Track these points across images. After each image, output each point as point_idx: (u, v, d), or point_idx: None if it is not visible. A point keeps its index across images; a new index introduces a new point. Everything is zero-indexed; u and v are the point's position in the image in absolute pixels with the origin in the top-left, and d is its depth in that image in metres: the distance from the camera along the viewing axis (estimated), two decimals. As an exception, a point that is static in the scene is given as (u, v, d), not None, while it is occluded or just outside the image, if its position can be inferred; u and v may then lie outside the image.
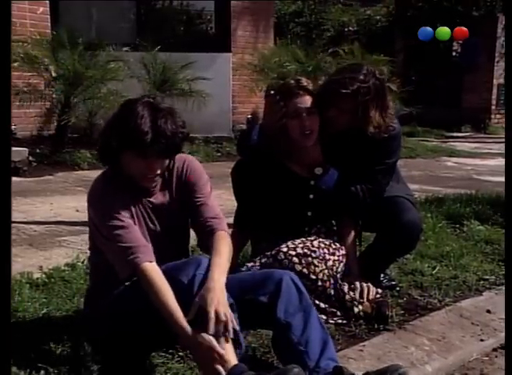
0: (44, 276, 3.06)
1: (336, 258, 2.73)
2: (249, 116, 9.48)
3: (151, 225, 2.31)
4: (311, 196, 2.85)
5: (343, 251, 2.80)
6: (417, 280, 3.26)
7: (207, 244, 2.29)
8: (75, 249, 3.63)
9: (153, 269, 2.11)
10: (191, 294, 2.05)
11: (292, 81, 2.82)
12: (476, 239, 4.01)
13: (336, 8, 13.38)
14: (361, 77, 2.79)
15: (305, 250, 2.64)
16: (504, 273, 3.35)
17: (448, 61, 12.33)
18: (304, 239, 2.72)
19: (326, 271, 2.66)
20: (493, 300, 3.10)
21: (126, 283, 2.20)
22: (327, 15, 13.08)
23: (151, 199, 2.31)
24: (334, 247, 2.75)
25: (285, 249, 2.64)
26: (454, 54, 12.79)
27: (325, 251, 2.69)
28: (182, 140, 2.23)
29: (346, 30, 12.97)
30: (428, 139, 10.13)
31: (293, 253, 2.63)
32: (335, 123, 2.85)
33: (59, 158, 6.77)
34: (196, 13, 9.96)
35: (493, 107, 12.28)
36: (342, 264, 2.77)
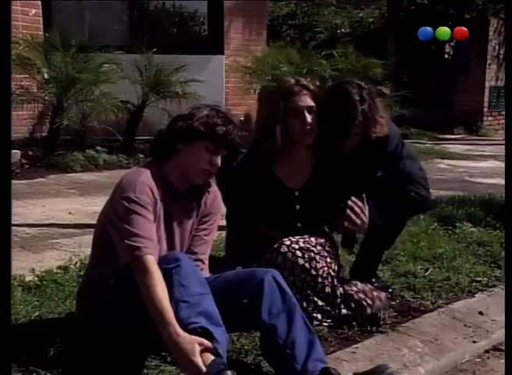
0: (36, 278, 3.05)
1: (333, 257, 2.74)
2: (242, 118, 9.47)
3: (172, 231, 2.36)
4: (298, 207, 2.84)
5: (337, 252, 2.81)
6: (409, 282, 3.27)
7: None
8: (67, 252, 3.62)
9: (154, 264, 2.11)
10: (170, 289, 2.07)
11: (291, 80, 2.81)
12: (468, 241, 4.02)
13: (328, 10, 13.41)
14: (357, 98, 2.77)
15: (307, 245, 2.65)
16: (504, 271, 3.37)
17: (440, 63, 12.38)
18: (303, 236, 2.71)
19: (326, 268, 2.67)
20: (486, 302, 3.11)
21: (120, 276, 2.20)
22: (320, 17, 13.11)
23: (181, 207, 2.38)
24: (328, 245, 2.75)
25: (287, 242, 2.64)
26: (447, 56, 12.84)
27: (323, 248, 2.69)
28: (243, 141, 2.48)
29: (338, 32, 12.99)
30: (421, 141, 10.15)
31: (296, 246, 2.63)
32: (348, 148, 2.84)
33: (52, 160, 6.75)
34: (189, 15, 9.96)
35: (485, 109, 12.33)
36: (336, 264, 2.78)
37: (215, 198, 2.48)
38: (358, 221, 2.67)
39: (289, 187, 2.83)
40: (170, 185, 2.33)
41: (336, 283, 2.72)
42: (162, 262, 2.16)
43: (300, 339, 2.13)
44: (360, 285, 2.78)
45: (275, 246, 2.66)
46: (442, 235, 4.13)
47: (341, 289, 2.73)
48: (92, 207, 4.55)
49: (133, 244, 2.13)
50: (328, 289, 2.69)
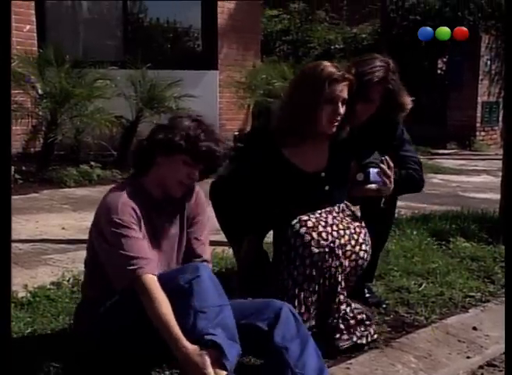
0: (29, 295, 3.03)
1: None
2: (236, 133, 9.50)
3: (159, 241, 2.35)
4: (327, 187, 2.75)
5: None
6: (403, 297, 3.27)
7: None
8: (60, 267, 3.61)
9: (154, 282, 2.13)
10: (189, 299, 2.07)
11: (333, 68, 2.69)
12: (462, 256, 4.02)
13: (322, 26, 13.48)
14: (382, 64, 2.90)
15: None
16: (504, 276, 3.37)
17: (433, 79, 12.44)
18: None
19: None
20: (479, 317, 3.11)
21: (117, 298, 2.20)
22: (313, 33, 13.17)
23: (165, 219, 2.37)
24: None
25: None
26: (439, 72, 12.91)
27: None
28: (222, 162, 2.42)
29: (332, 48, 13.06)
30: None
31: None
32: (360, 116, 2.89)
33: (45, 175, 6.74)
34: (183, 31, 10.01)
35: (478, 124, 12.38)
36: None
37: (198, 199, 2.47)
38: (388, 181, 2.73)
39: (313, 171, 2.75)
40: (152, 198, 2.33)
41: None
42: (181, 272, 2.18)
43: (311, 364, 2.16)
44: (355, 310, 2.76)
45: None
46: (435, 250, 4.13)
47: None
48: (85, 222, 4.52)
49: (129, 268, 2.14)
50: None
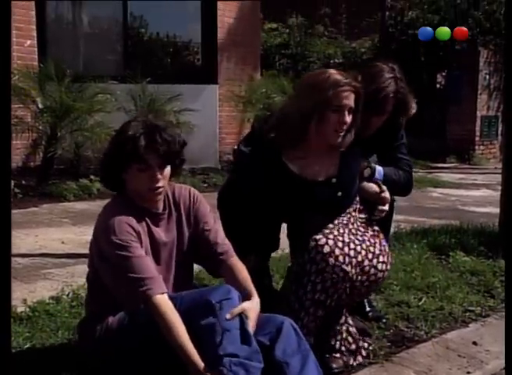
0: (28, 309, 3.03)
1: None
2: (235, 147, 9.51)
3: (158, 253, 2.34)
4: (340, 193, 2.68)
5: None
6: (403, 312, 3.26)
7: (220, 268, 2.38)
8: (60, 282, 3.60)
9: (165, 302, 2.13)
10: (216, 318, 2.08)
11: (339, 75, 2.62)
12: (461, 270, 4.02)
13: (321, 40, 13.54)
14: (391, 75, 2.93)
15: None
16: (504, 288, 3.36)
17: (432, 93, 12.49)
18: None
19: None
20: (479, 332, 3.10)
21: (129, 314, 2.20)
22: (313, 47, 13.23)
23: (160, 226, 2.35)
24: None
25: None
26: (438, 86, 12.96)
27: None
28: (180, 147, 2.30)
29: (331, 62, 13.10)
30: (414, 170, 10.18)
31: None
32: (373, 127, 2.93)
33: (45, 189, 6.74)
34: (183, 45, 10.05)
35: (477, 138, 12.41)
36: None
37: (192, 196, 2.44)
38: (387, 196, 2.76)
39: (324, 179, 2.69)
40: (144, 209, 2.31)
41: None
42: (213, 292, 2.17)
43: None
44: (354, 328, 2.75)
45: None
46: (435, 264, 4.13)
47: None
48: (85, 236, 4.51)
49: (140, 289, 2.14)
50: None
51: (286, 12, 13.18)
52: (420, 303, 3.39)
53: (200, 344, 2.08)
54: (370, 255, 2.59)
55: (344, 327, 2.65)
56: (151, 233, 2.31)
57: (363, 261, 2.55)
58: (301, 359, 2.18)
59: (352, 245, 2.55)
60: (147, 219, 2.31)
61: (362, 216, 2.73)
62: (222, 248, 2.40)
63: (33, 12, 7.78)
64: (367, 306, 3.16)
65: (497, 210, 4.90)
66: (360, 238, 2.61)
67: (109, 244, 2.19)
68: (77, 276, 3.55)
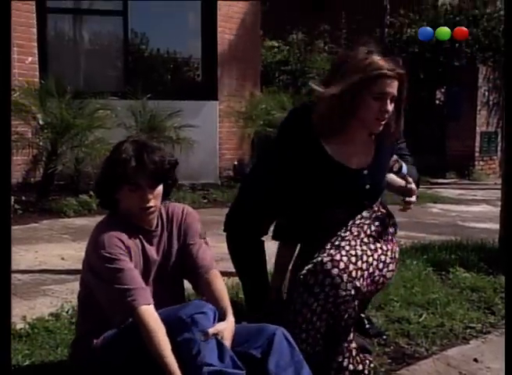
0: (27, 326, 3.02)
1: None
2: (235, 163, 9.54)
3: (150, 270, 2.34)
4: (368, 186, 2.66)
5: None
6: (403, 328, 3.25)
7: (199, 282, 2.37)
8: (59, 298, 3.60)
9: (149, 313, 2.13)
10: (190, 333, 2.07)
11: (382, 62, 2.52)
12: (462, 286, 4.01)
13: (321, 57, 13.60)
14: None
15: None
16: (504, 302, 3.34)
17: (432, 109, 12.54)
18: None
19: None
20: (480, 349, 3.09)
21: (117, 330, 2.19)
22: (312, 63, 13.28)
23: (152, 244, 2.36)
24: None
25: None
26: (437, 102, 13.01)
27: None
28: (170, 167, 2.32)
29: (331, 78, 13.16)
30: (413, 185, 10.20)
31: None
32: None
33: (45, 205, 6.75)
34: (183, 61, 10.11)
35: (477, 154, 12.45)
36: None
37: (185, 214, 2.44)
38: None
39: (355, 167, 2.64)
40: (138, 227, 2.33)
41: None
42: (185, 307, 2.17)
43: None
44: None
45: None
46: (435, 280, 4.12)
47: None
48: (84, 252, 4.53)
49: (125, 300, 2.14)
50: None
51: (286, 29, 13.26)
52: (420, 319, 3.38)
53: (181, 358, 2.07)
54: (381, 265, 2.58)
55: (353, 345, 2.62)
56: (144, 251, 2.33)
57: (374, 272, 2.55)
58: (294, 371, 2.17)
59: (364, 257, 2.52)
60: (140, 236, 2.33)
61: (377, 223, 2.68)
62: (201, 261, 2.39)
63: (35, 29, 7.84)
64: (366, 323, 3.15)
65: (497, 226, 4.90)
66: (373, 247, 2.59)
67: (98, 258, 2.21)
68: (76, 292, 3.53)
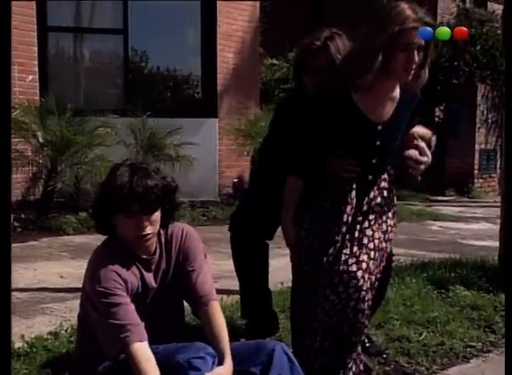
0: (25, 345, 3.01)
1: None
2: (235, 180, 9.55)
3: (148, 296, 2.31)
4: (378, 142, 2.62)
5: None
6: (404, 347, 3.24)
7: (199, 311, 2.32)
8: (58, 316, 3.59)
9: (142, 351, 2.10)
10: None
11: (410, 11, 2.48)
12: (462, 305, 4.00)
13: (320, 75, 13.67)
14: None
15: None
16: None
17: (431, 127, 12.58)
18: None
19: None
20: (481, 368, 3.08)
21: (112, 363, 2.17)
22: (311, 81, 13.35)
23: (151, 271, 2.32)
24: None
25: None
26: (437, 119, 13.06)
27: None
28: (166, 192, 2.25)
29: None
30: (413, 203, 10.23)
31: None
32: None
33: (44, 223, 6.74)
34: (183, 78, 10.14)
35: (476, 171, 12.48)
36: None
37: (186, 239, 2.38)
38: (425, 158, 2.73)
39: (373, 121, 2.61)
40: (135, 255, 2.28)
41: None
42: (184, 349, 2.13)
43: None
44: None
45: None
46: (435, 298, 4.12)
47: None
48: (84, 270, 4.49)
49: (119, 336, 2.11)
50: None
51: (285, 46, 13.34)
52: (420, 338, 3.37)
53: None
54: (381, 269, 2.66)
55: (359, 360, 2.64)
56: (142, 279, 2.29)
57: (377, 279, 2.62)
58: None
59: (372, 266, 2.58)
60: (138, 264, 2.28)
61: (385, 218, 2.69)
62: (201, 290, 2.33)
63: (36, 48, 7.88)
64: (366, 342, 3.14)
65: (496, 244, 4.90)
66: (378, 245, 2.63)
67: (94, 293, 2.18)
68: (75, 310, 3.49)
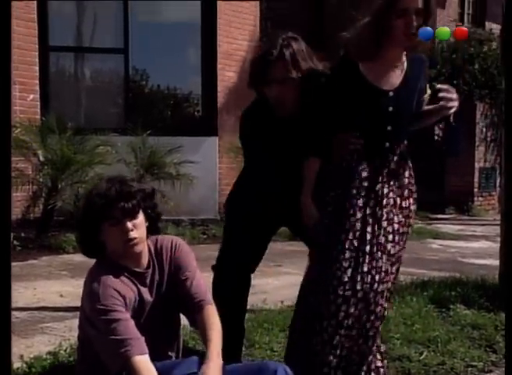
0: (24, 365, 2.99)
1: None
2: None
3: (144, 311, 2.31)
4: (391, 109, 2.68)
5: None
6: (404, 367, 3.23)
7: (195, 318, 2.34)
8: (58, 336, 3.57)
9: (143, 362, 2.10)
10: None
11: None
12: (463, 324, 3.98)
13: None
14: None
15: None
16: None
17: (430, 145, 12.62)
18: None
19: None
20: (482, 387, 3.07)
21: None
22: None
23: (146, 285, 2.33)
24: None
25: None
26: (436, 138, 13.10)
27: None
28: (144, 196, 2.30)
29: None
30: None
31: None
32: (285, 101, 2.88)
33: (44, 242, 6.73)
34: (183, 97, 10.18)
35: (476, 190, 12.49)
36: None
37: (175, 247, 2.41)
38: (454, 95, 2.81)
39: (383, 88, 2.67)
40: (129, 271, 2.30)
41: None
42: (178, 366, 2.16)
43: None
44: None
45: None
46: (435, 317, 4.10)
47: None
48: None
49: (120, 351, 2.11)
50: None
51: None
52: (421, 357, 3.35)
53: None
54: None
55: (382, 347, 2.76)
56: (140, 294, 2.30)
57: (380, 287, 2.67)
58: None
59: (377, 277, 2.64)
60: (133, 279, 2.29)
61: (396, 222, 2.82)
62: (196, 296, 2.35)
63: (37, 67, 7.93)
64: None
65: (497, 262, 4.89)
66: (385, 267, 2.68)
67: (94, 311, 2.18)
68: (75, 330, 3.47)
